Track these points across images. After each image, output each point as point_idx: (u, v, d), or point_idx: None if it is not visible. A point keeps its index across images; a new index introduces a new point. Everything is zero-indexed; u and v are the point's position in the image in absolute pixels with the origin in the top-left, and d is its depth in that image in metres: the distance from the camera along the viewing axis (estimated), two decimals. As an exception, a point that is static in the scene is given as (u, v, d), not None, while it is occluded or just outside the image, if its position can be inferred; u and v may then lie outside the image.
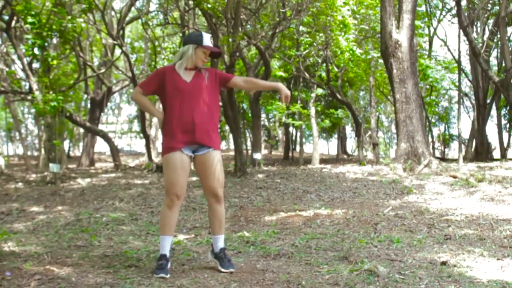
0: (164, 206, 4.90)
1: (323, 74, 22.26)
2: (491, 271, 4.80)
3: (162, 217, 4.92)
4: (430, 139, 28.61)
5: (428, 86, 29.19)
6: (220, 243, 5.03)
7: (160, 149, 29.27)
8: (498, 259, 5.26)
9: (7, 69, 22.72)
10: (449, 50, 31.09)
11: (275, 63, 21.98)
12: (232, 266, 4.91)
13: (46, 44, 14.83)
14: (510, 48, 20.72)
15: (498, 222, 7.16)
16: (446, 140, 38.41)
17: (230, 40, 13.50)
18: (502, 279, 4.49)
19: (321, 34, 18.52)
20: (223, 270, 4.86)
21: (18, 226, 7.72)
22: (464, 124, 41.85)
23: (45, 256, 5.49)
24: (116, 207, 9.61)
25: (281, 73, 21.29)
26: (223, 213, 5.06)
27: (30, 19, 13.74)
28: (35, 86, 15.35)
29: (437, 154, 34.49)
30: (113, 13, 22.54)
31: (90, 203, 10.19)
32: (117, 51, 26.59)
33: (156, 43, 21.24)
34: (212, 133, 4.92)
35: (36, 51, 14.84)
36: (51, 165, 13.09)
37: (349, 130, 45.57)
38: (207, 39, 4.96)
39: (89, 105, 28.05)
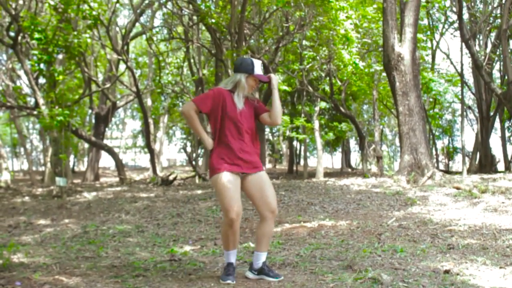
0: (224, 225, 4.98)
1: (327, 88, 22.38)
2: (494, 279, 4.86)
3: (223, 234, 5.07)
4: (434, 152, 28.65)
5: (431, 99, 29.27)
6: (263, 259, 5.11)
7: (164, 163, 29.29)
8: (500, 267, 5.31)
9: (12, 84, 22.92)
10: (451, 63, 31.12)
11: (279, 77, 22.11)
12: (279, 275, 5.05)
13: (52, 59, 15.00)
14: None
15: (501, 232, 7.20)
16: (450, 153, 38.40)
17: (234, 54, 13.63)
18: (505, 287, 4.56)
19: (324, 48, 18.66)
20: (275, 280, 4.98)
21: (26, 239, 7.82)
22: (468, 137, 41.92)
23: (53, 267, 5.58)
24: (123, 220, 9.71)
25: (284, 87, 21.40)
26: (272, 231, 5.18)
27: (36, 35, 13.93)
28: (41, 101, 15.50)
29: (441, 167, 34.45)
30: (117, 28, 22.73)
31: (97, 216, 10.30)
32: (121, 66, 26.81)
33: (161, 58, 21.40)
34: (256, 158, 5.07)
35: (42, 66, 15.01)
36: (57, 179, 13.21)
37: (353, 144, 45.61)
38: (258, 68, 5.06)
39: (93, 120, 28.24)
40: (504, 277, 4.95)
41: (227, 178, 4.86)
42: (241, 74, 5.02)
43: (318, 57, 19.18)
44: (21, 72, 28.42)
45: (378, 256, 5.95)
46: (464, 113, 31.23)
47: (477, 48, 23.62)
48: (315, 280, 4.94)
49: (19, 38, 16.26)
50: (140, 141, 53.00)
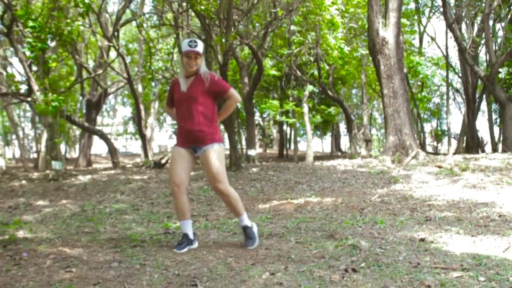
0: (173, 195, 5.49)
1: (315, 72, 22.71)
2: (465, 246, 5.28)
3: (174, 205, 5.56)
4: (422, 135, 29.04)
5: (419, 83, 29.65)
6: (243, 222, 5.58)
7: (155, 150, 29.53)
8: (472, 236, 5.73)
9: (4, 72, 23.08)
10: (438, 47, 31.58)
11: (268, 62, 22.41)
12: (251, 244, 5.47)
13: (45, 47, 15.25)
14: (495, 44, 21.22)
15: (476, 205, 7.60)
16: (438, 136, 38.84)
17: (223, 40, 13.93)
18: (474, 252, 4.96)
19: (312, 33, 18.97)
20: (248, 247, 5.46)
21: (27, 218, 8.18)
22: (456, 120, 42.31)
23: (56, 240, 5.97)
24: (118, 199, 10.09)
25: (273, 72, 21.73)
26: (230, 201, 5.49)
27: (30, 23, 14.18)
28: (35, 88, 15.77)
29: (430, 149, 34.88)
30: (107, 15, 22.90)
31: (93, 196, 10.66)
32: (112, 53, 26.98)
33: (151, 45, 21.61)
34: (207, 133, 5.40)
35: (35, 54, 15.25)
36: (53, 162, 13.50)
37: (343, 128, 46.00)
38: (185, 44, 5.39)
39: (84, 107, 28.43)
40: (474, 244, 5.37)
41: (174, 151, 5.50)
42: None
43: (306, 42, 19.49)
44: (13, 60, 28.60)
45: (359, 227, 6.37)
46: (452, 96, 31.67)
47: (464, 32, 24.03)
48: (299, 248, 5.35)
49: (13, 26, 16.49)
50: (131, 128, 53.22)
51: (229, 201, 5.49)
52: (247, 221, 5.58)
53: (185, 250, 5.32)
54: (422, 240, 5.53)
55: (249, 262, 4.78)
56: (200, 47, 5.37)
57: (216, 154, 5.40)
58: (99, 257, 5.04)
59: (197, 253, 5.21)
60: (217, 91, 5.48)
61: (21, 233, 6.57)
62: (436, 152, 31.79)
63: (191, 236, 5.48)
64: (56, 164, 13.19)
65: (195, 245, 5.52)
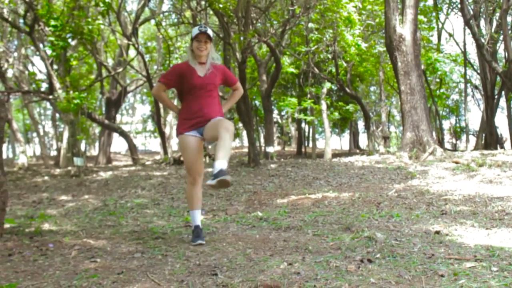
0: (188, 184, 5.62)
1: (333, 70, 22.73)
2: (479, 238, 5.37)
3: (187, 194, 5.66)
4: (440, 132, 28.94)
5: (438, 80, 29.55)
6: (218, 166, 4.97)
7: (174, 147, 29.57)
8: (486, 228, 5.82)
9: (26, 71, 23.37)
10: (456, 43, 31.44)
11: (285, 60, 22.47)
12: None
13: (67, 45, 15.48)
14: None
15: (492, 199, 7.67)
16: (457, 133, 38.64)
17: (241, 38, 14.05)
18: (488, 243, 5.04)
19: (329, 31, 19.03)
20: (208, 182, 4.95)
21: (51, 212, 8.40)
22: (475, 117, 41.98)
23: (80, 233, 6.16)
24: (139, 195, 10.29)
25: (291, 69, 21.81)
26: (229, 143, 5.15)
27: (52, 22, 14.41)
28: (57, 85, 16.00)
29: (448, 146, 34.74)
30: (125, 14, 23.09)
31: (114, 192, 10.87)
32: (131, 52, 27.19)
33: (169, 43, 21.76)
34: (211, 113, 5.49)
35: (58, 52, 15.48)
36: (75, 158, 13.72)
37: (361, 125, 45.86)
38: (195, 29, 5.51)
39: (104, 105, 28.66)
40: (488, 236, 5.45)
41: (188, 141, 5.48)
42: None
43: (323, 39, 19.55)
44: (34, 58, 28.93)
45: (375, 220, 6.49)
46: (470, 92, 31.53)
47: (482, 28, 23.95)
48: (316, 240, 5.49)
49: (35, 25, 16.73)
50: (150, 126, 53.49)
51: (229, 144, 5.10)
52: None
53: (204, 241, 5.41)
54: (437, 232, 5.63)
55: (268, 253, 4.91)
56: (210, 31, 5.49)
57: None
58: (122, 248, 5.21)
59: (217, 244, 5.36)
60: (228, 80, 5.72)
61: (46, 226, 6.77)
62: (454, 149, 31.64)
63: (200, 226, 5.59)
64: (78, 160, 13.41)
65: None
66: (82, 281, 3.94)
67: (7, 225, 6.07)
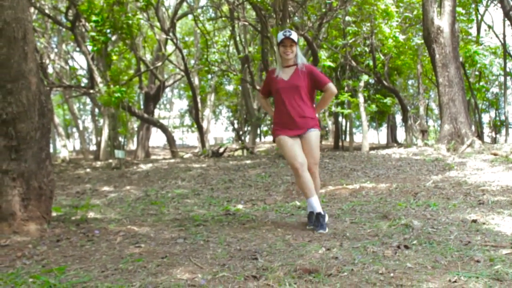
0: (295, 176, 5.71)
1: (371, 63, 22.67)
2: (516, 227, 5.41)
3: (299, 184, 5.73)
4: (479, 125, 28.60)
5: (477, 72, 29.22)
6: (310, 207, 5.68)
7: (211, 142, 29.78)
8: (525, 218, 5.85)
9: (67, 66, 23.82)
10: (496, 35, 31.03)
11: (323, 53, 22.46)
12: (322, 228, 5.53)
13: (108, 40, 15.77)
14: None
15: (531, 190, 7.68)
16: (497, 126, 38.12)
17: (279, 31, 14.15)
18: (525, 232, 5.08)
19: (366, 24, 19.00)
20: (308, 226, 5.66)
21: (95, 202, 8.64)
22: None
23: (124, 220, 6.36)
24: (179, 185, 10.49)
25: (329, 63, 21.80)
26: (316, 182, 5.83)
27: (94, 18, 14.71)
28: (98, 80, 16.32)
29: (488, 140, 34.31)
30: (163, 9, 23.34)
31: (155, 183, 11.10)
32: (169, 47, 27.45)
33: (207, 37, 21.94)
34: (309, 120, 5.73)
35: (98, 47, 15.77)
36: (116, 151, 13.98)
37: (399, 119, 45.53)
38: (280, 34, 5.74)
39: (142, 100, 28.99)
40: (526, 225, 5.50)
41: (286, 140, 5.65)
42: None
43: (361, 32, 19.53)
44: (74, 54, 29.43)
45: (412, 209, 6.55)
46: (510, 85, 31.07)
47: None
48: (354, 227, 5.60)
49: (77, 21, 17.07)
50: (187, 120, 53.93)
51: (317, 183, 5.83)
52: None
53: (327, 229, 5.48)
54: (474, 221, 5.66)
55: (306, 239, 5.03)
56: (294, 35, 5.67)
57: (317, 139, 5.78)
58: (165, 235, 5.39)
59: (257, 231, 5.51)
60: (316, 82, 5.80)
61: (91, 214, 7.00)
62: (494, 143, 31.24)
63: (322, 211, 5.65)
64: (118, 153, 13.67)
65: (326, 218, 5.76)
66: (127, 265, 4.11)
67: (54, 213, 6.28)
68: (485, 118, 38.86)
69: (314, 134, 5.73)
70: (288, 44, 5.69)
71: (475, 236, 4.92)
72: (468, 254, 4.19)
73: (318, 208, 5.58)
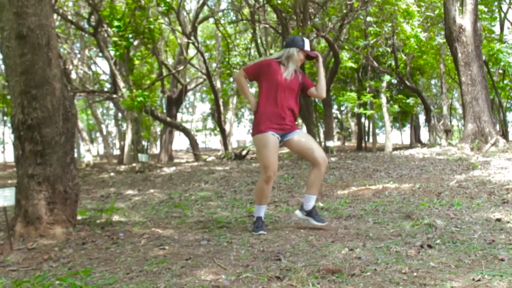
0: (261, 181, 5.71)
1: (393, 63, 22.61)
2: (541, 226, 5.38)
3: (259, 190, 5.75)
4: (504, 124, 28.32)
5: (501, 71, 28.96)
6: (313, 202, 5.87)
7: (234, 145, 29.86)
8: (550, 217, 5.81)
9: (90, 72, 24.04)
10: (520, 33, 30.73)
11: (344, 54, 22.46)
12: (323, 220, 5.77)
13: (130, 45, 15.91)
14: None
15: (556, 189, 7.61)
16: (522, 125, 37.72)
17: (300, 33, 14.18)
18: (552, 231, 5.05)
19: (388, 24, 18.97)
20: (316, 223, 5.72)
21: (119, 205, 8.72)
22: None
23: (148, 223, 6.44)
24: (203, 188, 10.54)
25: (350, 64, 21.78)
26: (322, 176, 5.87)
27: (116, 23, 14.84)
28: (121, 84, 16.47)
29: (512, 139, 34.00)
30: (184, 13, 23.47)
31: (178, 186, 11.16)
32: (190, 51, 27.58)
33: (228, 40, 22.01)
34: (294, 123, 5.79)
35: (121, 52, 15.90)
36: (139, 155, 14.07)
37: (422, 119, 45.28)
38: (307, 45, 5.80)
39: (164, 104, 29.15)
40: (551, 224, 5.46)
41: (267, 138, 5.57)
42: (294, 48, 5.72)
43: (382, 33, 19.49)
44: (97, 59, 29.71)
45: (435, 209, 6.53)
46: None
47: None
48: (377, 227, 5.61)
49: (99, 27, 17.25)
50: (210, 124, 54.03)
51: (321, 176, 5.82)
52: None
53: (262, 231, 5.57)
54: (498, 220, 5.64)
55: (329, 239, 5.05)
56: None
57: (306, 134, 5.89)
58: (189, 237, 5.44)
59: (280, 232, 5.54)
60: (306, 86, 5.91)
61: (115, 217, 7.08)
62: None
63: (263, 218, 5.78)
64: (142, 157, 13.76)
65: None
66: (152, 267, 4.17)
67: (79, 217, 6.37)
68: (510, 116, 38.51)
69: (302, 131, 5.82)
70: (306, 58, 5.88)
71: (499, 235, 4.92)
72: (492, 253, 4.19)
73: (260, 213, 5.78)
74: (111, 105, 40.98)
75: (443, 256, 4.18)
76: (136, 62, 17.05)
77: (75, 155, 22.36)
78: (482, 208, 6.48)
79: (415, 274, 3.67)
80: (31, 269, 4.30)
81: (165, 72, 24.43)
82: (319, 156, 5.69)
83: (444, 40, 18.66)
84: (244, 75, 5.81)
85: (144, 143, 30.51)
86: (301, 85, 5.82)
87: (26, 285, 3.81)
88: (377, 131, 38.84)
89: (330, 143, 18.36)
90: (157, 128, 39.28)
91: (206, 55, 25.05)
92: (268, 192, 5.71)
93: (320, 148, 5.77)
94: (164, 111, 27.94)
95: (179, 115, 39.33)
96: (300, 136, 5.71)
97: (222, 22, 24.21)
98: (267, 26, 20.17)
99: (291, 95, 5.69)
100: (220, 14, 25.23)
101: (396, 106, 24.76)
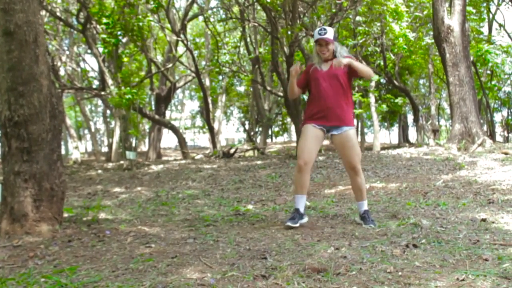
0: (295, 169, 5.79)
1: (382, 63, 22.67)
2: (526, 226, 5.41)
3: (294, 179, 5.85)
4: (491, 125, 28.45)
5: (489, 71, 29.09)
6: (363, 207, 5.89)
7: (223, 143, 29.94)
8: (535, 217, 5.86)
9: (78, 68, 23.94)
10: (508, 34, 30.88)
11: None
12: (373, 223, 5.71)
13: (118, 42, 15.87)
14: None
15: (541, 189, 7.67)
16: (509, 125, 37.92)
17: (289, 32, 14.19)
18: (536, 232, 5.09)
19: (377, 24, 18.99)
20: (365, 226, 5.67)
21: (106, 203, 8.71)
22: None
23: (135, 221, 6.44)
24: (190, 186, 10.55)
25: (339, 63, 21.73)
26: (362, 183, 5.91)
27: (104, 20, 14.80)
28: (109, 82, 16.42)
29: (500, 139, 34.16)
30: (174, 11, 23.41)
31: (166, 184, 11.16)
32: (180, 48, 27.52)
33: (218, 38, 21.98)
34: (346, 112, 5.76)
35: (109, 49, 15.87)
36: (127, 152, 14.06)
37: (410, 119, 45.41)
38: (316, 33, 5.77)
39: (153, 101, 29.08)
40: (535, 224, 5.50)
41: (307, 128, 5.71)
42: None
43: (371, 32, 19.52)
44: (85, 56, 29.61)
45: (421, 209, 6.58)
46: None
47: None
48: (363, 227, 5.63)
49: (88, 23, 17.18)
50: (199, 121, 53.98)
51: (360, 182, 5.87)
52: (366, 206, 5.95)
53: (297, 224, 5.60)
54: (483, 220, 5.68)
55: (315, 238, 5.06)
56: (329, 33, 5.69)
57: (355, 137, 5.86)
58: (176, 235, 5.44)
59: (266, 231, 5.54)
60: (352, 74, 5.82)
61: (102, 215, 7.07)
62: (506, 142, 31.09)
63: (302, 210, 5.75)
64: (130, 154, 13.75)
65: (305, 219, 5.82)
66: (138, 265, 4.16)
67: (65, 214, 6.34)
68: (498, 117, 38.69)
69: (351, 132, 5.77)
70: (324, 44, 5.72)
71: (484, 235, 4.95)
72: (477, 253, 4.22)
73: (299, 205, 5.75)
74: (100, 102, 40.91)
75: (428, 255, 4.20)
76: (125, 59, 17.00)
77: (63, 152, 22.31)
78: (468, 208, 6.52)
79: (400, 273, 3.69)
80: (16, 267, 4.28)
81: (154, 69, 24.35)
82: (348, 166, 5.85)
83: (433, 41, 18.74)
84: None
85: (133, 140, 30.47)
86: (346, 73, 5.75)
87: (11, 283, 3.79)
88: (365, 130, 38.97)
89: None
90: (146, 125, 39.15)
91: (195, 53, 24.95)
92: (302, 181, 5.71)
93: (354, 156, 5.78)
94: (153, 108, 27.88)
95: (167, 113, 39.29)
96: (343, 140, 5.74)
97: (212, 20, 24.19)
98: (256, 24, 20.14)
99: (332, 87, 5.68)
100: (210, 12, 25.21)
101: (384, 106, 24.79)
